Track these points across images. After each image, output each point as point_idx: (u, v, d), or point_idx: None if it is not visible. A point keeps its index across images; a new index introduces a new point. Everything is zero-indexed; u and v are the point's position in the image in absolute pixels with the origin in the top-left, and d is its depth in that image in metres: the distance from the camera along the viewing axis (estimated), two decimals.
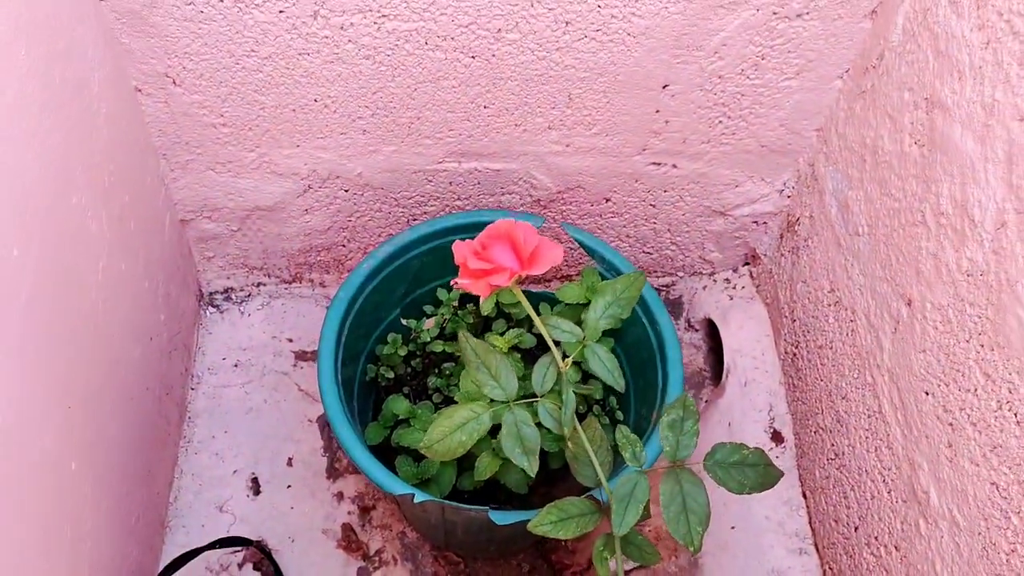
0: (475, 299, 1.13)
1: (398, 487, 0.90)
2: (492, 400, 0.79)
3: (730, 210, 1.30)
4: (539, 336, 1.14)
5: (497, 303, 1.10)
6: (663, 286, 1.46)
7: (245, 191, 1.22)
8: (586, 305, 1.08)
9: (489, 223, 1.13)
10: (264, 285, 1.39)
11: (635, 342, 1.09)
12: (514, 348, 1.10)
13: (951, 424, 0.90)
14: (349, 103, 1.09)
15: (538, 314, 1.15)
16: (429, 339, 1.11)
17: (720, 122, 1.15)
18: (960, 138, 0.85)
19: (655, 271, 1.44)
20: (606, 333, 1.08)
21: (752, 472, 0.73)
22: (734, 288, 1.41)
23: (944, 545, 0.91)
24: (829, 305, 1.15)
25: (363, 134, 1.14)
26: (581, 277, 1.10)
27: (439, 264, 1.14)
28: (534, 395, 0.80)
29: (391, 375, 1.11)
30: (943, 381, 0.91)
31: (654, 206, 1.29)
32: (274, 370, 1.33)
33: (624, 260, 1.09)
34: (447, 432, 0.79)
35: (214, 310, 1.38)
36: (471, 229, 1.10)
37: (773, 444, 1.27)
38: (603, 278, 1.10)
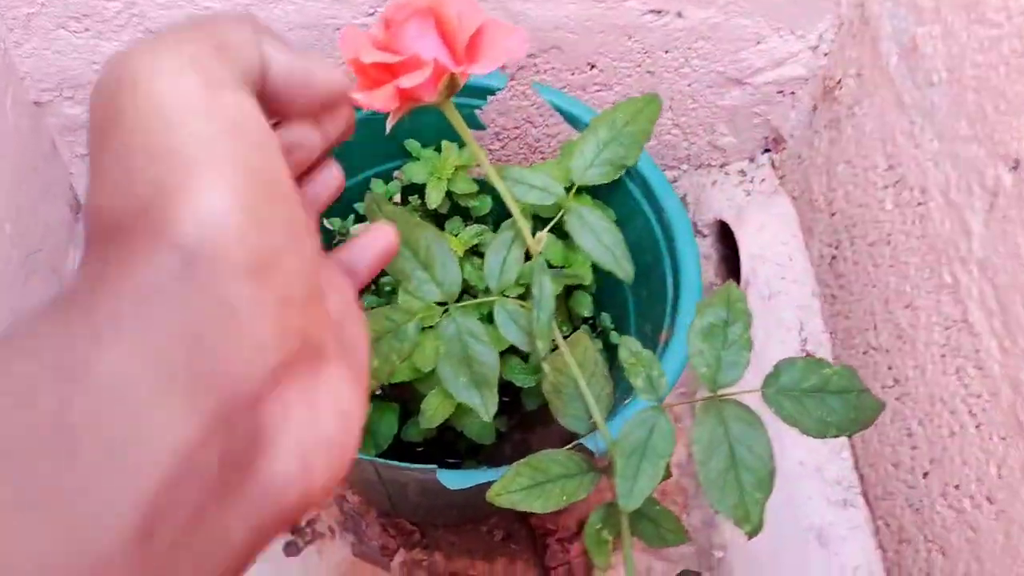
0: (421, 190, 0.85)
1: None
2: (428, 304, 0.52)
3: (749, 76, 1.02)
4: None
5: (450, 195, 0.82)
6: None
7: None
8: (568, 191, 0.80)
9: None
10: None
11: (635, 239, 0.82)
12: (474, 252, 0.82)
13: None
14: None
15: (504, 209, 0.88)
16: None
17: None
18: None
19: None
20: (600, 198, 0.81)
21: (839, 403, 0.47)
22: (751, 182, 1.14)
23: None
24: (886, 187, 0.88)
25: None
26: (559, 154, 0.82)
27: (371, 145, 0.85)
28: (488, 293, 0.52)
29: None
30: None
31: (652, 73, 1.01)
32: None
33: None
34: None
35: None
36: None
37: None
38: None
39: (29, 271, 0.93)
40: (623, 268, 0.48)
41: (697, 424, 0.47)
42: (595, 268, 0.81)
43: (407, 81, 0.37)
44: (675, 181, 1.18)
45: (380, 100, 0.38)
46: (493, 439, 0.76)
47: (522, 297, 0.64)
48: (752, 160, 1.15)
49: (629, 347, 0.49)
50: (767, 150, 1.14)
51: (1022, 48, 0.68)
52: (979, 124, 0.73)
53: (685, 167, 1.16)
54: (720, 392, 0.47)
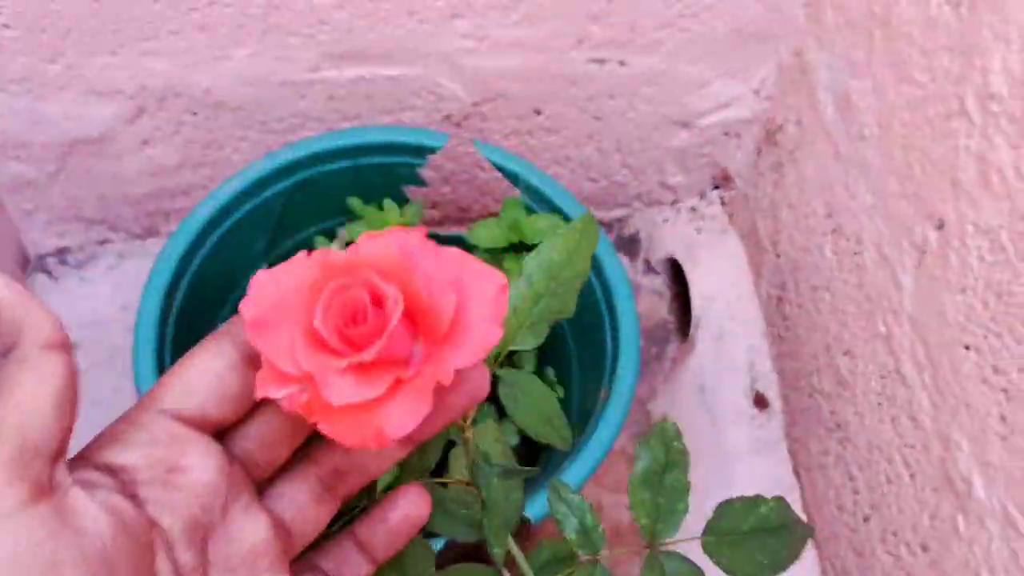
0: None
1: None
2: None
3: (695, 119, 1.03)
4: None
5: None
6: (615, 220, 1.20)
7: (56, 119, 0.92)
8: (509, 252, 0.81)
9: (375, 144, 0.85)
10: (110, 242, 1.10)
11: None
12: None
13: (1004, 390, 0.65)
14: None
15: None
16: None
17: None
18: None
19: (604, 202, 1.17)
20: None
21: (775, 541, 0.47)
22: (702, 219, 1.15)
23: (995, 552, 0.67)
24: (825, 234, 0.89)
25: (201, 31, 0.85)
26: (501, 211, 0.82)
27: (313, 204, 0.86)
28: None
29: None
30: (992, 331, 0.66)
31: (598, 118, 1.02)
32: (126, 349, 1.05)
33: (558, 187, 0.82)
34: None
35: (45, 276, 1.08)
36: (352, 153, 0.82)
37: (756, 410, 1.02)
38: (530, 212, 0.82)
39: None
40: (562, 437, 0.46)
41: None
42: None
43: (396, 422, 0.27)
44: (627, 219, 1.19)
45: (355, 436, 0.27)
46: None
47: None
48: (703, 197, 1.16)
49: (559, 492, 0.48)
50: (716, 187, 1.15)
51: (945, 111, 0.69)
52: (907, 182, 0.74)
53: (637, 205, 1.17)
54: (658, 542, 0.47)
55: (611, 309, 0.77)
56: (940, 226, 0.70)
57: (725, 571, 0.45)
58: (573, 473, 0.68)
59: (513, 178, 0.82)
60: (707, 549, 0.46)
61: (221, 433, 0.31)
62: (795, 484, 0.98)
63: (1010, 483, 0.65)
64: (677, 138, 1.06)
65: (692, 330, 1.08)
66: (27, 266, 1.07)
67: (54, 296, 1.07)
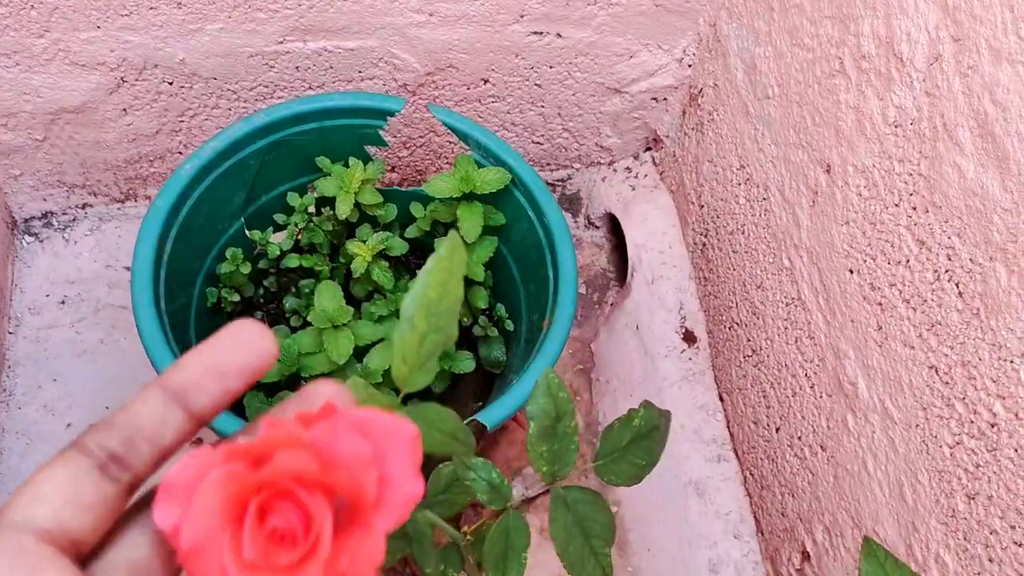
0: (333, 202, 0.95)
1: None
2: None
3: (626, 86, 1.14)
4: (413, 240, 0.98)
5: (358, 204, 0.93)
6: (558, 181, 1.31)
7: (42, 89, 1.00)
8: (461, 201, 0.92)
9: (340, 108, 0.95)
10: (91, 206, 1.18)
11: (522, 239, 0.94)
12: (381, 256, 0.93)
13: (880, 303, 0.78)
14: None
15: (409, 215, 0.99)
16: (280, 252, 0.94)
17: None
18: None
19: (548, 164, 1.28)
20: (491, 231, 0.92)
21: (648, 443, 0.57)
22: (636, 177, 1.27)
23: (876, 441, 0.80)
24: (739, 184, 1.01)
25: (178, 7, 0.94)
26: (454, 166, 0.93)
27: (286, 163, 0.95)
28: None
29: (236, 298, 0.93)
30: (869, 255, 0.78)
31: (539, 86, 1.13)
32: (111, 304, 1.14)
33: (502, 144, 0.93)
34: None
35: (32, 239, 1.16)
36: (319, 116, 0.92)
37: (686, 345, 1.15)
38: (479, 167, 0.93)
39: None
40: (466, 445, 0.51)
41: (551, 519, 0.55)
42: (488, 265, 0.93)
43: None
44: (569, 179, 1.31)
45: None
46: None
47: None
48: (636, 158, 1.28)
49: (464, 463, 0.54)
50: (648, 148, 1.27)
51: (829, 70, 0.81)
52: (802, 133, 0.87)
53: (577, 166, 1.29)
54: (558, 479, 0.56)
55: (552, 250, 0.89)
56: (828, 169, 0.83)
57: (613, 484, 0.56)
58: (520, 389, 0.80)
59: (463, 137, 0.93)
60: (599, 472, 0.57)
61: (85, 560, 0.27)
62: (719, 407, 1.11)
63: (887, 381, 0.78)
64: (611, 103, 1.17)
65: (628, 277, 1.20)
66: (14, 228, 1.15)
67: (41, 257, 1.15)
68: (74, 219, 1.18)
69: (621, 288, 1.23)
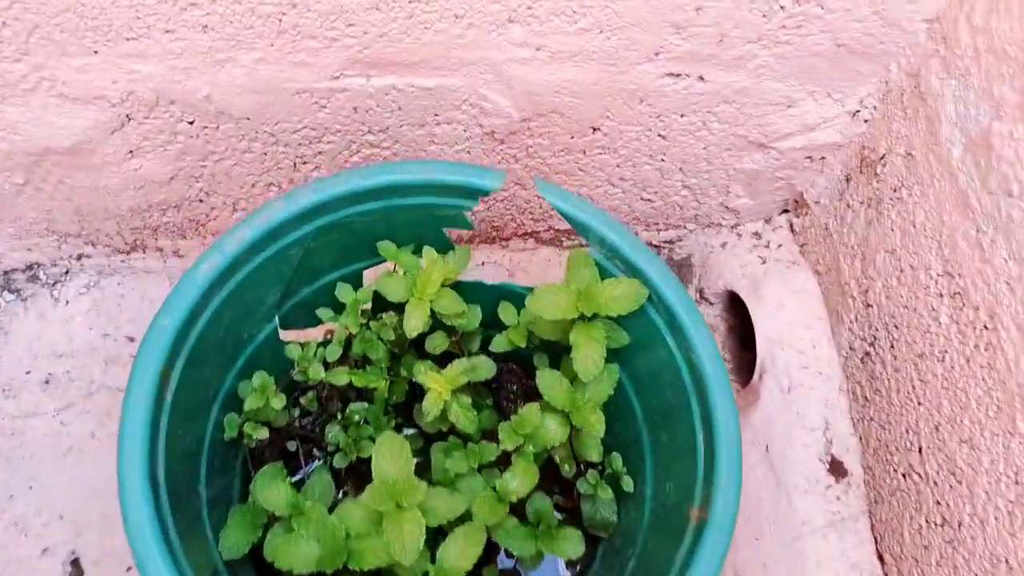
0: (396, 304, 0.71)
1: None
2: None
3: (774, 141, 0.88)
4: (502, 357, 0.74)
5: (432, 312, 0.68)
6: (665, 242, 1.06)
7: (21, 125, 0.76)
8: (577, 321, 0.67)
9: (416, 184, 0.69)
10: (88, 257, 0.95)
11: (653, 371, 0.69)
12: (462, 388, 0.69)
13: None
14: None
15: (492, 313, 0.74)
16: (319, 374, 0.70)
17: (782, 7, 0.72)
18: None
19: (655, 223, 1.02)
20: (609, 355, 0.68)
21: None
22: (767, 247, 1.01)
23: None
24: (940, 295, 0.75)
25: (203, 32, 0.69)
26: (567, 269, 0.68)
27: (337, 248, 0.71)
28: None
29: (264, 434, 0.69)
30: None
31: (664, 137, 0.87)
32: (106, 386, 0.90)
33: (637, 241, 0.68)
34: None
35: (12, 296, 0.93)
36: (387, 194, 0.67)
37: (832, 479, 0.90)
38: (603, 271, 0.68)
39: None
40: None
41: None
42: (606, 406, 0.68)
43: None
44: (679, 240, 1.05)
45: None
46: None
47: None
48: (768, 222, 1.02)
49: None
50: (786, 211, 1.01)
51: None
52: None
53: (691, 226, 1.03)
54: None
55: (702, 399, 0.64)
56: None
57: None
58: None
59: (582, 229, 0.68)
60: None
61: None
62: (878, 571, 0.86)
63: None
64: (750, 160, 0.91)
65: (756, 377, 0.95)
66: None
67: (23, 321, 0.92)
68: (66, 272, 0.94)
69: (742, 389, 0.98)
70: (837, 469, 0.90)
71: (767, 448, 0.92)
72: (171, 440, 0.60)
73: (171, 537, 0.55)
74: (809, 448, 0.91)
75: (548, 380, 0.66)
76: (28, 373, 0.90)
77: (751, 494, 0.93)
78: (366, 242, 0.71)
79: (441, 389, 0.65)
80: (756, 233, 1.02)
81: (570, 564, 0.77)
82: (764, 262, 1.00)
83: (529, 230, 1.00)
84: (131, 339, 0.93)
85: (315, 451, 0.76)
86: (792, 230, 1.01)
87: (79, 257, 0.94)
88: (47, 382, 0.90)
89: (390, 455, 0.61)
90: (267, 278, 0.67)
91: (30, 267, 0.94)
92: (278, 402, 0.66)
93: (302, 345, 0.70)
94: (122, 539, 0.84)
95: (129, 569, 0.83)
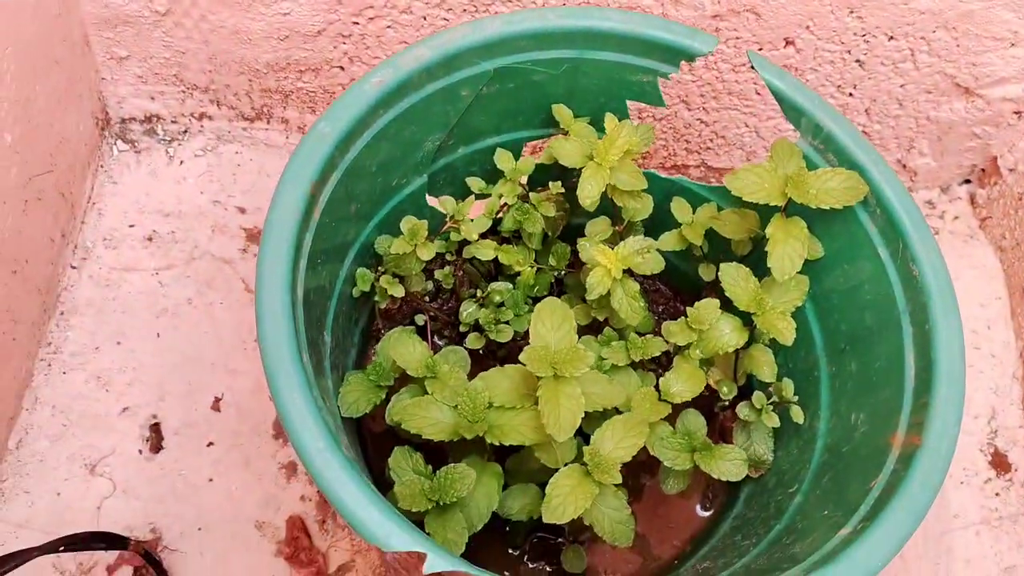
0: (560, 172, 0.63)
1: (381, 527, 0.42)
2: None
3: (985, 87, 0.78)
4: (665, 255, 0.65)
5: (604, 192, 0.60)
6: None
7: None
8: (774, 211, 0.58)
9: (616, 34, 0.60)
10: (210, 118, 0.88)
11: (850, 288, 0.60)
12: (627, 272, 0.60)
13: None
14: None
15: (663, 215, 0.65)
16: (473, 236, 0.62)
17: None
18: None
19: None
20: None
21: None
22: (941, 217, 0.91)
23: None
24: None
25: None
26: (770, 154, 0.59)
27: (506, 103, 0.63)
28: None
29: (400, 292, 0.61)
30: None
31: (861, 63, 0.78)
32: (211, 253, 0.84)
33: (857, 134, 0.59)
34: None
35: (126, 147, 0.87)
36: (581, 41, 0.59)
37: (994, 472, 0.79)
38: (809, 164, 0.59)
39: (31, 195, 0.71)
40: None
41: None
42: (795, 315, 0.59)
43: None
44: None
45: None
46: (631, 541, 0.55)
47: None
48: (945, 191, 0.92)
49: None
50: (967, 181, 0.91)
51: None
52: None
53: None
54: None
55: (921, 321, 0.54)
56: None
57: None
58: (859, 558, 0.46)
59: (796, 113, 0.59)
60: None
61: None
62: None
63: None
64: (949, 108, 0.81)
65: None
66: (105, 126, 0.86)
67: (134, 173, 0.86)
68: (186, 131, 0.88)
69: None
70: (1000, 463, 0.80)
71: None
72: (311, 267, 0.52)
73: (305, 364, 0.47)
74: (971, 436, 0.80)
75: (733, 275, 0.57)
76: (132, 227, 0.84)
77: None
78: (539, 107, 0.63)
79: (611, 265, 0.57)
80: (930, 202, 0.92)
81: (706, 505, 0.68)
82: (937, 232, 0.90)
83: (680, 162, 0.92)
84: (242, 210, 0.86)
85: (439, 334, 0.68)
86: (973, 203, 0.91)
87: (201, 117, 0.88)
88: (150, 239, 0.84)
89: (551, 322, 0.53)
90: (432, 116, 0.59)
91: (149, 119, 0.88)
92: (426, 252, 0.58)
93: (456, 201, 0.62)
94: (205, 412, 0.78)
95: (210, 444, 0.76)
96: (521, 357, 0.51)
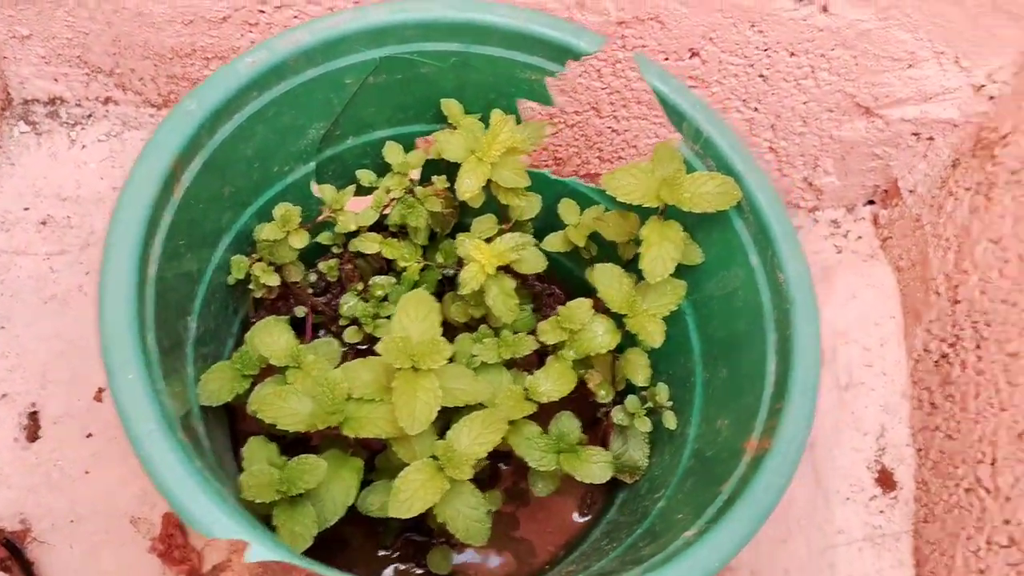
0: (450, 168, 0.63)
1: (206, 514, 0.41)
2: None
3: (884, 107, 0.80)
4: (551, 255, 0.65)
5: (488, 184, 0.60)
6: None
7: None
8: (654, 213, 0.58)
9: (503, 29, 0.61)
10: (115, 104, 0.87)
11: (724, 295, 0.60)
12: (506, 270, 0.60)
13: None
14: None
15: (551, 217, 0.65)
16: (350, 227, 0.61)
17: None
18: None
19: None
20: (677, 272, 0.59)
21: None
22: (844, 236, 0.92)
23: None
24: None
25: None
26: (652, 160, 0.59)
27: (394, 96, 0.63)
28: None
29: (275, 281, 0.60)
30: None
31: (764, 78, 0.79)
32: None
33: (735, 139, 0.59)
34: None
35: (27, 128, 0.85)
36: (468, 34, 0.59)
37: (879, 490, 0.80)
38: (689, 168, 0.60)
39: None
40: None
41: None
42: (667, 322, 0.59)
43: None
44: None
45: None
46: (485, 540, 0.54)
47: None
48: (851, 211, 0.93)
49: None
50: (871, 202, 0.92)
51: None
52: None
53: None
54: None
55: (783, 327, 0.54)
56: None
57: None
58: (701, 556, 0.46)
59: (677, 117, 0.60)
60: None
61: None
62: None
63: None
64: (850, 127, 0.83)
65: None
66: (8, 108, 0.84)
67: (33, 155, 0.84)
68: (90, 115, 0.87)
69: None
70: (886, 480, 0.80)
71: (812, 444, 0.82)
72: (171, 248, 0.51)
73: (149, 345, 0.46)
74: (858, 453, 0.81)
75: (607, 275, 0.57)
76: (26, 210, 0.82)
77: (788, 493, 0.82)
78: (430, 101, 0.63)
79: (485, 261, 0.56)
80: (835, 221, 0.93)
81: (583, 510, 0.67)
82: (839, 251, 0.91)
83: (593, 171, 0.92)
84: None
85: (325, 328, 0.67)
86: (876, 223, 0.92)
87: (106, 101, 0.87)
88: (44, 223, 0.82)
89: (415, 313, 0.52)
90: (314, 103, 0.59)
91: (52, 101, 0.86)
92: (298, 240, 0.57)
93: (336, 190, 0.61)
94: (87, 403, 0.76)
95: (89, 436, 0.74)
96: (378, 347, 0.50)
